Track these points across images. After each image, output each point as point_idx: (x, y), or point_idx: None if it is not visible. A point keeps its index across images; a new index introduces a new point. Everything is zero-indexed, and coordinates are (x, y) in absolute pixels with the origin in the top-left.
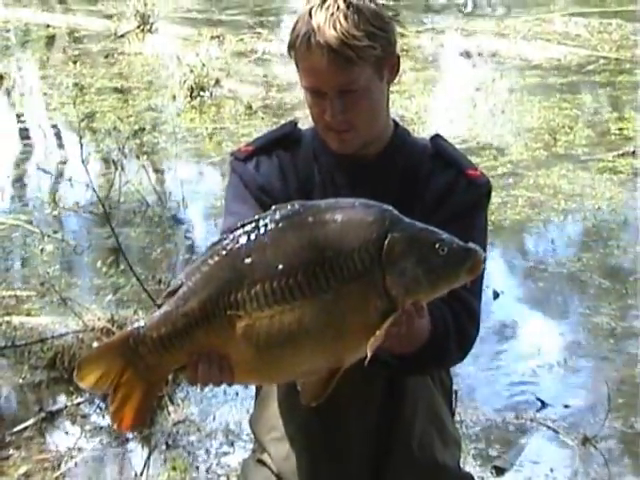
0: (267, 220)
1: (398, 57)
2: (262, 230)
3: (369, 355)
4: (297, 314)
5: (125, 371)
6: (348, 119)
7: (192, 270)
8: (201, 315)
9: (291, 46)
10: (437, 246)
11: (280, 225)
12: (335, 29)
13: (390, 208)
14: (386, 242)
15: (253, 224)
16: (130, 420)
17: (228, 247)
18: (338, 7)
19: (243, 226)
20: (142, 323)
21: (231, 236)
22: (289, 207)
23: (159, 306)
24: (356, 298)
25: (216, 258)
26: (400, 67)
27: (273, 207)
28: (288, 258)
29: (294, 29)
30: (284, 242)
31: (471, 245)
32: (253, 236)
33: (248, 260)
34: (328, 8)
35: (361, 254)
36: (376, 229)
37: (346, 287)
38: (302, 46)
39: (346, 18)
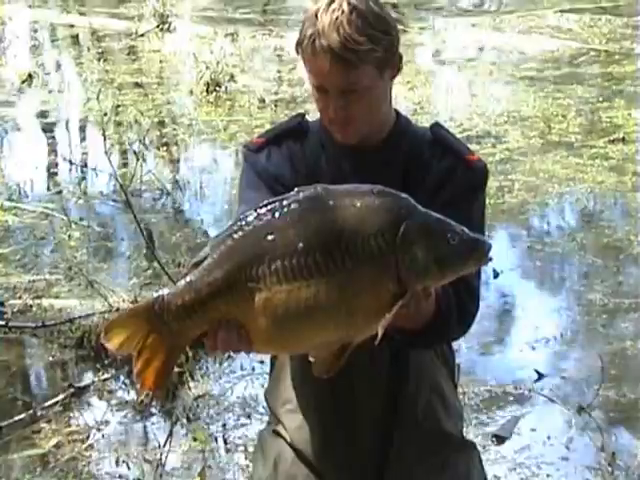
0: (290, 200)
1: (400, 56)
2: (285, 210)
3: (379, 334)
4: (313, 290)
5: (149, 335)
6: (349, 115)
7: (217, 243)
8: (223, 285)
9: (298, 45)
10: (449, 236)
11: (302, 206)
12: (338, 33)
13: (407, 197)
14: (401, 229)
15: (277, 203)
16: (152, 381)
17: (252, 223)
18: (343, 11)
19: (267, 204)
20: (167, 291)
21: (255, 213)
22: (312, 190)
23: (185, 275)
24: (369, 280)
25: (240, 233)
26: (402, 64)
27: (296, 189)
28: (308, 238)
29: (302, 29)
30: (305, 222)
31: (479, 236)
32: (277, 214)
33: (270, 237)
34: (333, 12)
35: (377, 239)
36: (393, 216)
37: (361, 269)
38: (307, 47)
39: (349, 23)
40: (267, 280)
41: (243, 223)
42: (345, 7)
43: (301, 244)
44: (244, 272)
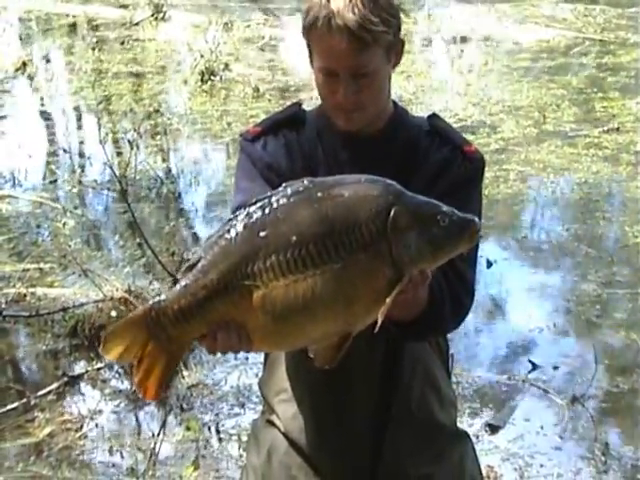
0: (279, 196)
1: (403, 42)
2: (275, 205)
3: (379, 321)
4: (310, 283)
5: (148, 343)
6: (358, 100)
7: (210, 244)
8: (220, 286)
9: (309, 28)
10: (438, 217)
11: (292, 200)
12: (354, 13)
13: (394, 183)
14: (391, 215)
15: (266, 200)
16: (154, 389)
17: (243, 222)
18: None
19: (257, 202)
20: (163, 296)
21: (245, 211)
22: (299, 183)
23: (177, 280)
24: (364, 267)
25: (232, 232)
26: (403, 52)
27: (284, 184)
28: (300, 230)
29: (309, 12)
30: (296, 216)
31: (469, 216)
32: (267, 211)
33: (263, 233)
34: None
35: (368, 226)
36: (381, 202)
37: (354, 257)
38: (323, 28)
39: (363, 4)
40: (263, 276)
41: (234, 222)
42: None
43: (294, 237)
44: (239, 271)
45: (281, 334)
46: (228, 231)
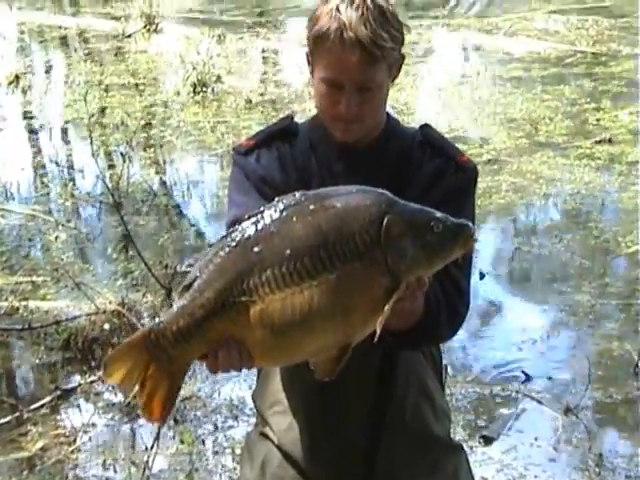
0: (272, 210)
1: (404, 57)
2: (268, 220)
3: (378, 331)
4: (307, 295)
5: (149, 365)
6: (360, 113)
7: (204, 263)
8: (217, 304)
9: (317, 38)
10: (432, 224)
11: (284, 214)
12: (367, 28)
13: (385, 192)
14: (384, 223)
15: (259, 215)
16: (159, 411)
17: (237, 238)
18: (367, 7)
19: (249, 218)
20: (162, 318)
21: (239, 228)
22: (291, 197)
23: (170, 293)
24: (360, 277)
25: (227, 250)
26: (402, 67)
27: (276, 198)
28: (294, 244)
29: (317, 22)
30: (289, 229)
31: (463, 221)
32: (260, 226)
33: (257, 249)
34: (358, 7)
35: (362, 235)
36: (374, 212)
37: (350, 267)
38: (334, 40)
39: (375, 19)
40: (260, 291)
41: (228, 240)
42: (369, 3)
43: (288, 251)
44: (235, 288)
45: (281, 348)
46: (222, 249)
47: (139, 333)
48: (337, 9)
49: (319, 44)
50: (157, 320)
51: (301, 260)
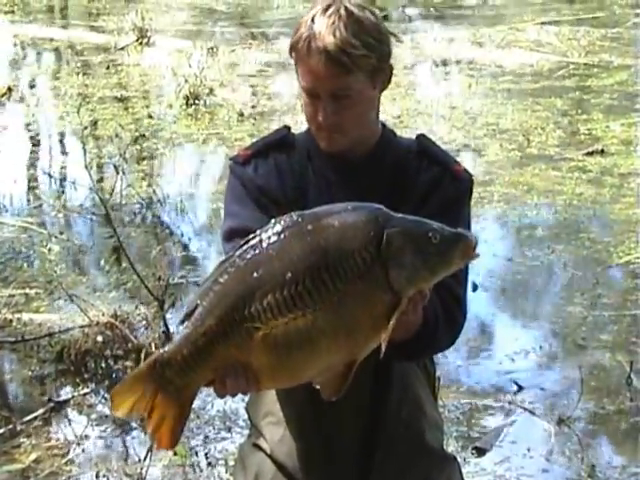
0: (269, 233)
1: (391, 68)
2: (265, 243)
3: (383, 347)
4: (309, 317)
5: (156, 396)
6: (338, 121)
7: (205, 290)
8: (219, 331)
9: (292, 47)
10: (430, 235)
11: (282, 236)
12: (334, 36)
13: (381, 207)
14: (384, 239)
15: (256, 239)
16: (168, 439)
17: (236, 264)
18: (340, 16)
19: (247, 242)
20: (166, 348)
21: (237, 253)
22: (287, 218)
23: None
24: (362, 296)
25: (226, 276)
26: (392, 77)
27: (272, 220)
28: (294, 266)
29: (296, 32)
30: (288, 252)
31: (460, 230)
32: (258, 250)
33: (257, 273)
34: (330, 16)
35: (361, 254)
36: (372, 228)
37: (351, 287)
38: (303, 49)
39: (346, 27)
40: (262, 316)
41: (226, 265)
42: (342, 12)
43: (289, 274)
44: (237, 313)
45: (286, 370)
46: (221, 275)
47: (144, 365)
48: (312, 19)
49: (293, 54)
50: (161, 351)
51: (302, 282)
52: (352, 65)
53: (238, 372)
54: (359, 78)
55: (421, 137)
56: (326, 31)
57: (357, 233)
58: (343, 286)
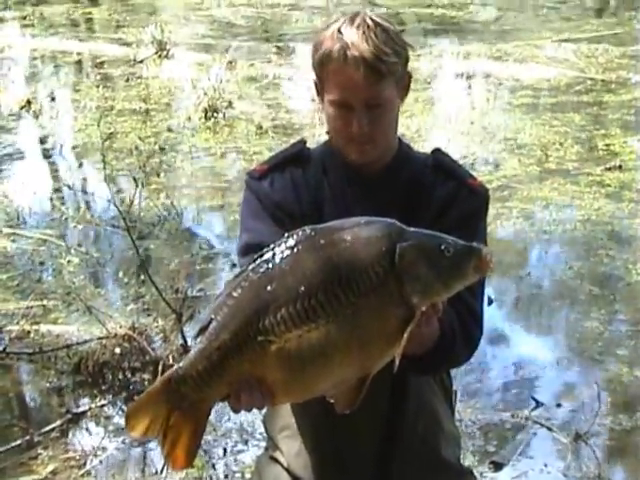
0: (282, 247)
1: (410, 75)
2: (279, 257)
3: (397, 361)
4: (323, 331)
5: (171, 413)
6: (371, 132)
7: (219, 305)
8: (233, 346)
9: (321, 61)
10: (443, 248)
11: (295, 250)
12: (369, 44)
13: (394, 221)
14: (397, 253)
15: (270, 253)
16: (184, 459)
17: (249, 278)
18: (368, 26)
19: (261, 256)
20: (180, 364)
21: (251, 267)
22: (300, 233)
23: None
24: (376, 310)
25: (239, 290)
26: (410, 85)
27: (286, 234)
28: (307, 280)
29: (321, 46)
30: (301, 266)
31: (474, 244)
32: (271, 264)
33: (270, 287)
34: (359, 27)
35: (374, 267)
36: (385, 242)
37: (364, 300)
38: (338, 60)
39: (376, 36)
40: (275, 330)
41: (240, 280)
42: (369, 22)
43: (302, 288)
44: (251, 328)
45: (300, 384)
46: (235, 289)
47: (158, 383)
48: (339, 31)
49: (324, 66)
50: (175, 367)
51: (315, 296)
52: (387, 72)
53: (253, 387)
54: (390, 86)
55: (437, 151)
56: (359, 40)
57: (370, 247)
58: (356, 300)
